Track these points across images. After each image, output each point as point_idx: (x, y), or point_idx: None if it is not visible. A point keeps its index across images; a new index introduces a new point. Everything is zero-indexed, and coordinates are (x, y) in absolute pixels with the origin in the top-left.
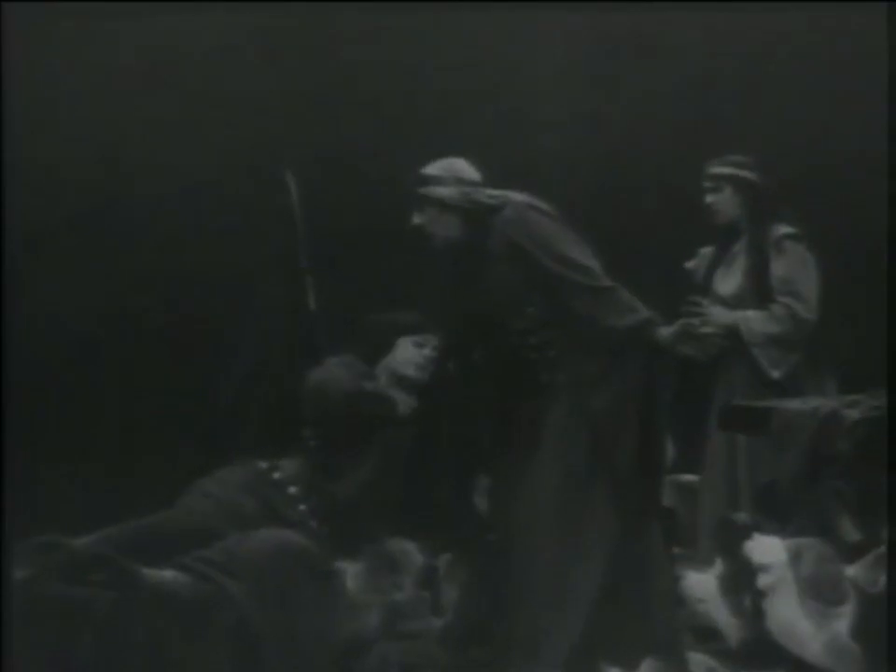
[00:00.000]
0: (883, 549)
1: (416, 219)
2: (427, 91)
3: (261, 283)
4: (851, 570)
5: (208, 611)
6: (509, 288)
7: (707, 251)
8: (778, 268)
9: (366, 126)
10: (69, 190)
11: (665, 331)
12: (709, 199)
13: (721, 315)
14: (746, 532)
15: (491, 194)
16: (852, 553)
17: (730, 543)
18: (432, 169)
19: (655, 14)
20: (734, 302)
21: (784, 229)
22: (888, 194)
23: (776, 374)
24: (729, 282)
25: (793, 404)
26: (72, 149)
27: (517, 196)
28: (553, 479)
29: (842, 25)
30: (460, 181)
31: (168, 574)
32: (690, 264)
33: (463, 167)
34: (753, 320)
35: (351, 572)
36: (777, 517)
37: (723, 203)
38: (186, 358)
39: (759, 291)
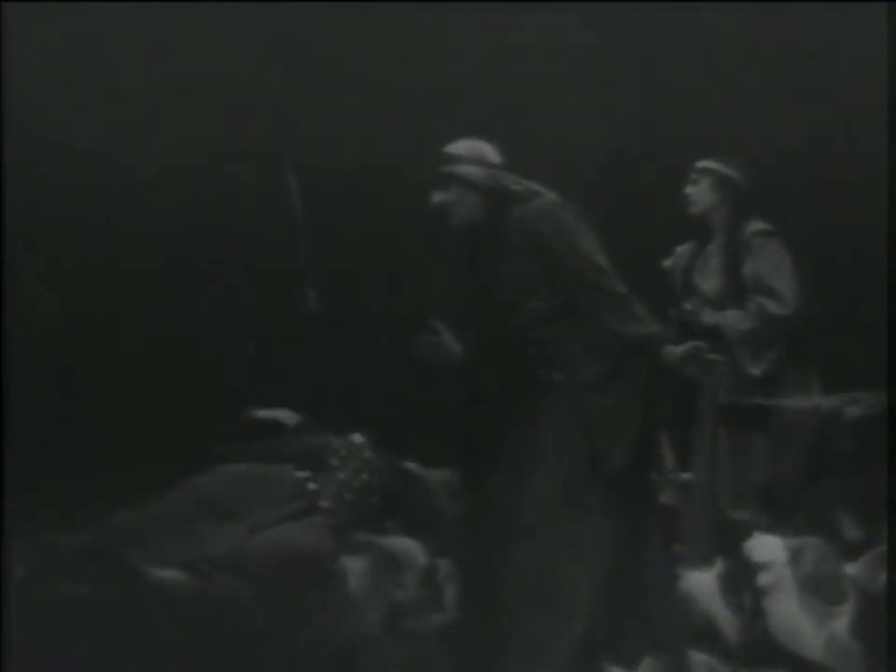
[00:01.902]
0: (883, 547)
1: (437, 197)
2: (429, 89)
3: (263, 283)
4: (851, 569)
5: (210, 610)
6: (521, 280)
7: (683, 249)
8: (750, 266)
9: (369, 125)
10: (69, 190)
11: (672, 351)
12: (688, 189)
13: (706, 316)
14: (746, 531)
15: (517, 181)
16: (852, 551)
17: (730, 542)
18: (456, 148)
19: (655, 12)
20: (717, 302)
21: (756, 225)
22: (887, 194)
23: (755, 371)
24: (710, 281)
25: (794, 402)
26: (72, 149)
27: (543, 190)
28: (551, 477)
29: (842, 25)
30: (486, 163)
31: (169, 573)
32: (667, 262)
33: (487, 150)
34: (731, 319)
35: (353, 571)
36: (777, 515)
37: (700, 194)
38: (185, 358)
39: (734, 290)
